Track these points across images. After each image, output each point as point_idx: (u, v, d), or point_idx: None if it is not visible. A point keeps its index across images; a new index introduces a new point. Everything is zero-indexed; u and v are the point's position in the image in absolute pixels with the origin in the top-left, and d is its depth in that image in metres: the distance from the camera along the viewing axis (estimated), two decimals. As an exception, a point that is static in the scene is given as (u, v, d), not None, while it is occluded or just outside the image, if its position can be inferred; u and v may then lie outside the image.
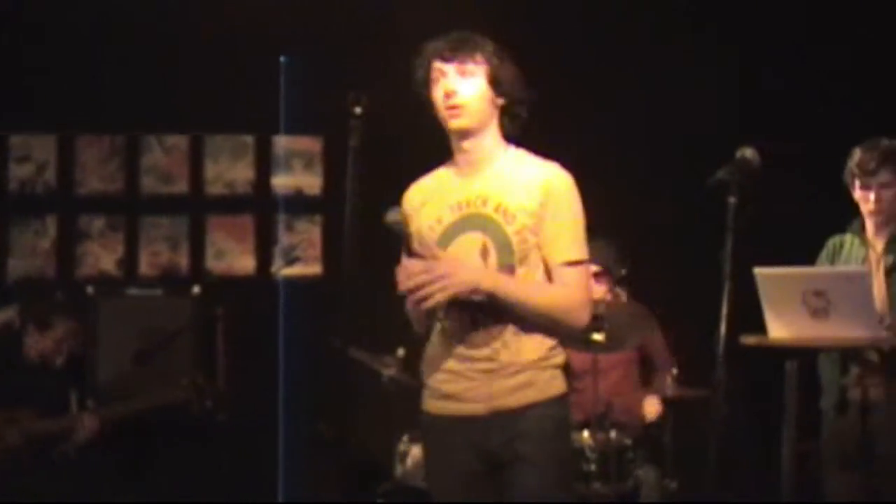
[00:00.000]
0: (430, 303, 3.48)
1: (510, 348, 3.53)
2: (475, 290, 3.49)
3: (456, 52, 3.56)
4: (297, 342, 6.61)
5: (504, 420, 3.52)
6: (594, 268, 5.35)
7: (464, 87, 3.55)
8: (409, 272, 3.49)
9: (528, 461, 3.50)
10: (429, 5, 6.12)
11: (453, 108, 3.55)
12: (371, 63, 6.22)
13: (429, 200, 3.67)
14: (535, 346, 3.55)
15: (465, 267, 3.53)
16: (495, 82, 3.56)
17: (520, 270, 3.54)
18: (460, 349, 3.57)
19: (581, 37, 6.63)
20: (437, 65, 3.58)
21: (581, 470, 5.25)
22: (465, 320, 3.56)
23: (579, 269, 3.57)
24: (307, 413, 6.30)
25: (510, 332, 3.53)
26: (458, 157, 3.66)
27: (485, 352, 3.54)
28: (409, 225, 3.68)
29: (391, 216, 3.57)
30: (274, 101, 6.75)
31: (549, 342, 3.57)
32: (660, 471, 5.49)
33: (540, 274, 3.57)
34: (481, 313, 3.53)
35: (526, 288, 3.53)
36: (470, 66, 3.55)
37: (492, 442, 3.53)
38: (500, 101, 3.60)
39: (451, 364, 3.59)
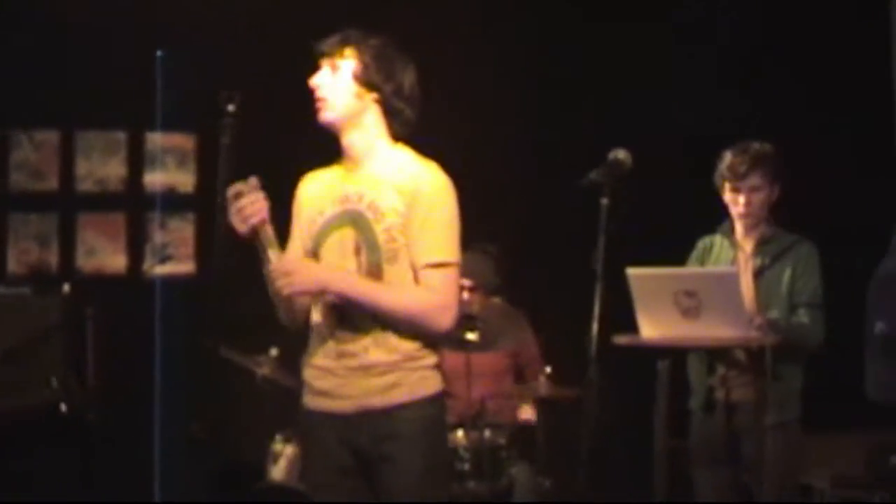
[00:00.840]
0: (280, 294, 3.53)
1: (379, 347, 3.53)
2: (324, 290, 3.52)
3: (328, 48, 3.62)
4: (170, 341, 6.53)
5: (373, 419, 3.52)
6: (466, 282, 5.39)
7: (327, 82, 3.60)
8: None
9: (397, 462, 3.50)
10: (305, 3, 6.10)
11: (317, 101, 3.62)
12: (248, 59, 6.18)
13: (317, 193, 3.70)
14: (404, 345, 3.54)
15: (313, 267, 3.58)
16: (361, 77, 3.59)
17: (389, 269, 3.53)
18: (331, 345, 3.58)
19: (457, 39, 6.64)
20: (321, 62, 3.65)
21: (455, 469, 5.26)
22: (334, 316, 3.56)
23: (444, 271, 3.55)
24: (182, 413, 6.24)
25: (379, 330, 3.53)
26: (343, 153, 3.67)
27: (352, 349, 3.54)
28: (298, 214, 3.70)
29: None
30: (149, 96, 6.64)
31: (420, 342, 3.56)
32: (533, 469, 5.52)
33: (412, 275, 3.56)
34: (350, 310, 3.53)
35: (380, 290, 3.52)
36: (338, 62, 3.61)
37: (361, 440, 3.54)
38: (373, 97, 3.61)
39: (322, 360, 3.60)
